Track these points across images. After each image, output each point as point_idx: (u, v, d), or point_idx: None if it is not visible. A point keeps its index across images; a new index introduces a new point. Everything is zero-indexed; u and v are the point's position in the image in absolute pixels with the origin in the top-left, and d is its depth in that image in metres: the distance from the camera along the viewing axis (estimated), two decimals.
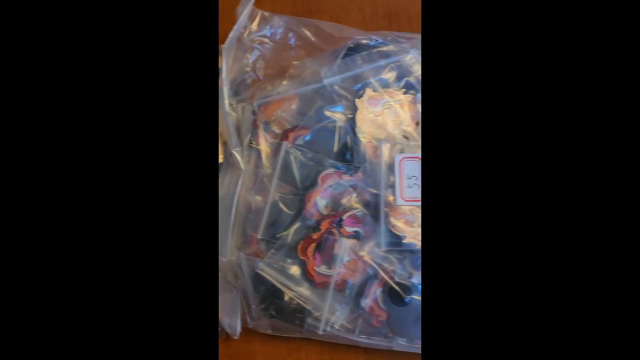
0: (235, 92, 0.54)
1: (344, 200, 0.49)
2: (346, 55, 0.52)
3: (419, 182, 0.47)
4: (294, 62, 0.55)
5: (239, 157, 0.50)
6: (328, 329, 0.49)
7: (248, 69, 0.54)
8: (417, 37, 0.52)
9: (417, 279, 0.48)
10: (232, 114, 0.51)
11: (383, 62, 0.50)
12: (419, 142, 0.49)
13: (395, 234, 0.48)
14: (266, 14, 0.54)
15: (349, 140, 0.49)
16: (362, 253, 0.48)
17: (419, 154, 0.47)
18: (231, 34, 0.51)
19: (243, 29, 0.52)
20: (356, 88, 0.50)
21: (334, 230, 0.49)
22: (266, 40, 0.54)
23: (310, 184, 0.49)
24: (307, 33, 0.54)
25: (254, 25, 0.54)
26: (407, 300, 0.48)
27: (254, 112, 0.51)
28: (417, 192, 0.48)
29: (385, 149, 0.48)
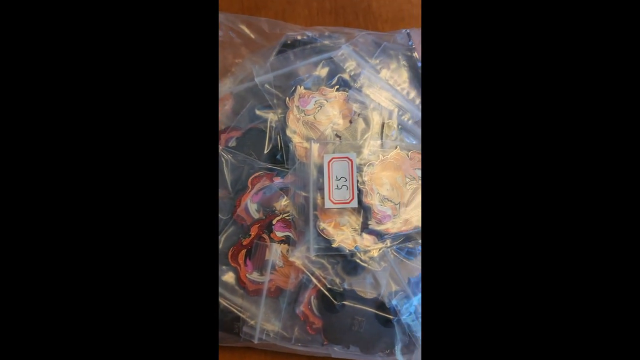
0: None
1: (276, 204, 0.47)
2: (280, 52, 0.49)
3: (348, 183, 0.44)
4: (236, 61, 0.52)
5: None
6: (263, 337, 0.47)
7: None
8: (354, 32, 0.49)
9: (349, 284, 0.45)
10: None
11: (315, 59, 0.48)
12: (352, 142, 0.46)
13: (325, 238, 0.45)
14: None
15: (279, 140, 0.47)
16: (293, 259, 0.45)
17: (349, 154, 0.44)
18: None
19: None
20: (289, 86, 0.47)
21: (265, 236, 0.47)
22: None
23: (240, 187, 0.46)
24: (247, 30, 0.51)
25: None
26: (338, 306, 0.45)
27: None
28: (346, 194, 0.45)
29: (315, 149, 0.45)
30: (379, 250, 0.46)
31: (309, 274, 0.46)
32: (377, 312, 0.46)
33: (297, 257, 0.46)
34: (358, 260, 0.46)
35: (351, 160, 0.45)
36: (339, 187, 0.45)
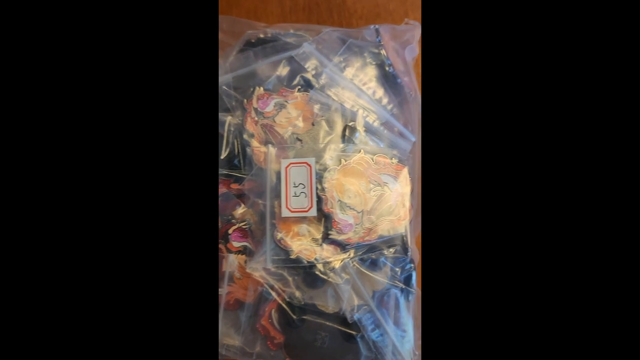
0: None
1: (234, 212, 0.44)
2: (241, 51, 0.46)
3: (307, 190, 0.41)
4: None
5: None
6: (224, 352, 0.45)
7: None
8: (319, 29, 0.46)
9: (309, 297, 0.42)
10: None
11: (276, 58, 0.44)
12: (313, 146, 0.42)
13: (282, 249, 0.42)
14: None
15: (236, 145, 0.44)
16: (250, 270, 0.42)
17: (308, 159, 0.41)
18: None
19: None
20: (248, 87, 0.44)
21: (221, 246, 0.44)
22: None
23: None
24: None
25: None
26: (298, 321, 0.42)
27: None
28: (304, 202, 0.42)
29: (273, 154, 0.42)
30: (341, 261, 0.42)
31: (267, 287, 0.43)
32: (339, 327, 0.43)
33: (255, 269, 0.43)
34: (318, 273, 0.42)
35: (310, 166, 0.42)
36: (297, 194, 0.42)
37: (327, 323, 0.43)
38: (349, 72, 0.45)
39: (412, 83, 0.46)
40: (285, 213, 0.42)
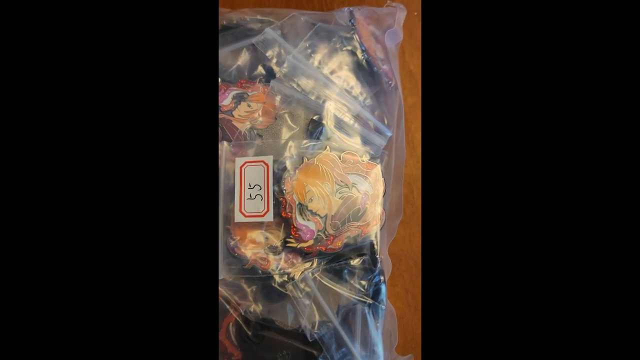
0: None
1: None
2: None
3: (263, 192, 0.36)
4: None
5: None
6: None
7: None
8: (286, 13, 0.41)
9: (266, 312, 0.37)
10: None
11: (235, 46, 0.40)
12: (273, 142, 0.38)
13: (236, 257, 0.37)
14: None
15: None
16: None
17: (265, 158, 0.36)
18: None
19: None
20: None
21: None
22: None
23: None
24: None
25: None
26: (254, 337, 0.37)
27: None
28: (260, 205, 0.37)
29: (226, 152, 0.37)
30: (301, 272, 0.37)
31: (222, 300, 0.38)
32: (299, 346, 0.37)
33: None
34: (276, 285, 0.37)
35: (267, 165, 0.37)
36: (253, 196, 0.37)
37: (287, 341, 0.38)
38: (316, 59, 0.39)
39: (392, 72, 0.41)
40: (238, 218, 0.38)
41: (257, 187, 0.37)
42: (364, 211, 0.38)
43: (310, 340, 0.38)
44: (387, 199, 0.39)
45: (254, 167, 0.37)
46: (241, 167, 0.37)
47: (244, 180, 0.38)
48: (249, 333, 0.38)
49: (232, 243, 0.38)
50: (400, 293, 0.46)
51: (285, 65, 0.38)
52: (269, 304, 0.39)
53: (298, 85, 0.39)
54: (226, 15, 0.43)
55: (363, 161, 0.38)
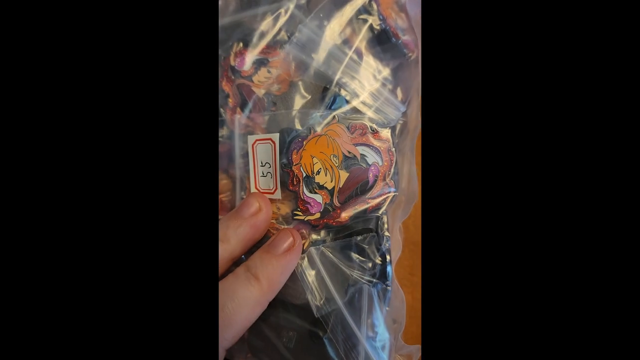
0: None
1: None
2: None
3: (272, 170, 0.36)
4: None
5: None
6: None
7: None
8: None
9: None
10: None
11: (263, 9, 0.38)
12: (285, 112, 0.36)
13: None
14: None
15: None
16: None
17: (272, 136, 0.35)
18: None
19: None
20: (227, 42, 0.39)
21: None
22: None
23: None
24: None
25: None
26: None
27: None
28: (270, 183, 0.36)
29: (242, 120, 0.36)
30: (309, 243, 0.35)
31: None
32: (305, 325, 0.36)
33: None
34: None
35: (274, 143, 0.35)
36: (264, 174, 0.36)
37: (292, 319, 0.36)
38: (330, 28, 0.37)
39: (413, 43, 0.37)
40: None
41: (267, 165, 0.36)
42: (372, 184, 0.35)
43: (317, 317, 0.35)
44: (398, 174, 0.36)
45: (263, 145, 0.36)
46: (253, 145, 0.36)
47: (256, 158, 0.37)
48: None
49: None
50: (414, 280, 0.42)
51: (297, 34, 0.36)
52: None
53: (311, 56, 0.36)
54: None
55: (373, 131, 0.35)
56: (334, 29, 0.37)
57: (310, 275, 0.36)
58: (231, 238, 0.34)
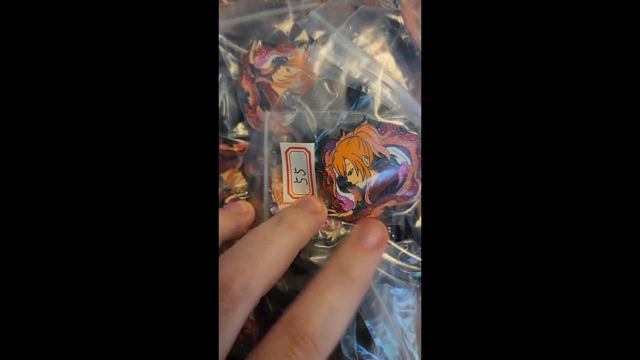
0: None
1: (224, 175, 0.37)
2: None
3: (307, 177, 0.36)
4: None
5: None
6: None
7: None
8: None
9: (293, 285, 0.35)
10: None
11: (284, 9, 0.37)
12: (312, 112, 0.35)
13: None
14: None
15: (227, 103, 0.37)
16: None
17: (307, 145, 0.35)
18: None
19: None
20: (247, 38, 0.37)
21: None
22: None
23: None
24: None
25: None
26: (274, 313, 0.36)
27: None
28: (306, 189, 0.37)
29: (269, 119, 0.35)
30: (335, 237, 0.35)
31: None
32: None
33: None
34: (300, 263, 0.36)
35: (309, 152, 0.35)
36: (299, 180, 0.35)
37: None
38: (360, 40, 0.37)
39: None
40: (287, 199, 0.37)
41: (301, 172, 0.36)
42: (401, 183, 0.36)
43: None
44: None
45: (297, 153, 0.35)
46: (286, 152, 0.36)
47: (290, 165, 0.36)
48: (271, 308, 0.36)
49: (272, 208, 0.37)
50: None
51: (328, 44, 0.36)
52: (297, 277, 0.37)
53: (342, 64, 0.36)
54: None
55: (403, 131, 0.36)
56: (362, 39, 0.37)
57: None
58: (301, 227, 0.31)
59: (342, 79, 0.36)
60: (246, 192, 0.39)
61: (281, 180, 0.37)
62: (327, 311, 0.27)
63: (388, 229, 0.37)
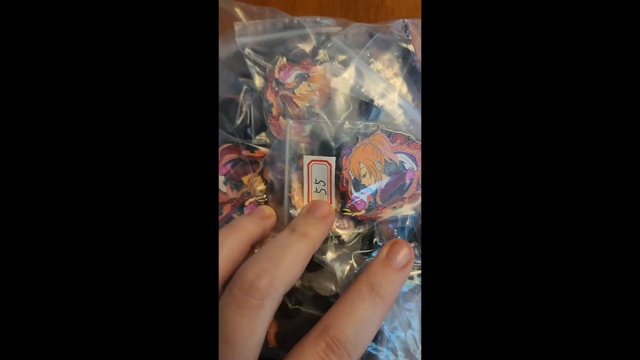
0: None
1: (245, 179, 0.40)
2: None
3: (327, 187, 0.39)
4: None
5: None
6: None
7: None
8: (350, 23, 0.43)
9: (308, 281, 0.38)
10: None
11: (306, 31, 0.41)
12: (330, 122, 0.38)
13: None
14: None
15: (250, 113, 0.40)
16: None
17: (329, 159, 0.39)
18: None
19: None
20: (272, 55, 0.41)
21: (235, 216, 0.40)
22: None
23: None
24: (240, 14, 0.46)
25: None
26: (292, 310, 0.37)
27: None
28: (324, 199, 0.40)
29: (292, 128, 0.38)
30: (352, 235, 0.37)
31: None
32: None
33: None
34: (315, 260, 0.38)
35: (330, 165, 0.39)
36: (318, 190, 0.39)
37: (321, 315, 0.38)
38: (377, 65, 0.41)
39: None
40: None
41: (321, 183, 0.39)
42: (408, 186, 0.39)
43: None
44: None
45: (319, 166, 0.39)
46: (308, 165, 0.39)
47: (311, 176, 0.39)
48: (290, 306, 0.38)
49: (291, 210, 0.39)
50: None
51: (350, 68, 0.40)
52: (310, 274, 0.39)
53: (361, 86, 0.40)
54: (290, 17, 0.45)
55: (410, 141, 0.39)
56: (379, 65, 0.41)
57: (340, 266, 0.39)
58: (313, 233, 0.34)
59: (360, 96, 0.40)
60: (264, 195, 0.41)
61: (301, 184, 0.39)
62: (358, 323, 0.30)
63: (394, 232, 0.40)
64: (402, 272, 0.33)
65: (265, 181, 0.41)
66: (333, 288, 0.39)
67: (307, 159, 0.40)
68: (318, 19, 0.46)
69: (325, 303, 0.39)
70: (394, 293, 0.32)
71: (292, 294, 0.39)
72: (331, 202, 0.40)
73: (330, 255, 0.39)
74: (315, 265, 0.39)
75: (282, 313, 0.39)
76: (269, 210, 0.39)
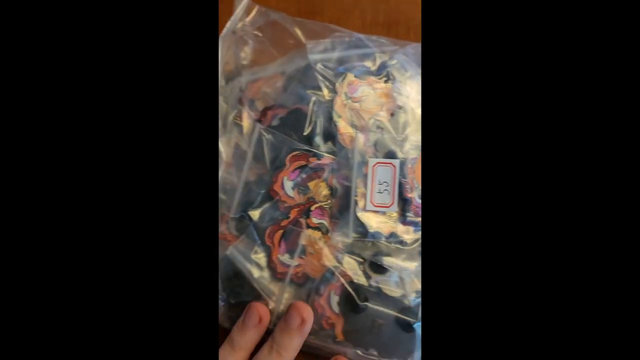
0: (227, 81, 0.49)
1: (311, 184, 0.42)
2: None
3: (390, 188, 0.42)
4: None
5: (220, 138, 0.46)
6: (276, 320, 0.43)
7: (245, 62, 0.49)
8: (404, 43, 0.46)
9: (376, 281, 0.42)
10: (224, 105, 0.47)
11: (371, 50, 0.45)
12: (395, 135, 0.42)
13: (362, 223, 0.41)
14: (262, 8, 0.49)
15: (319, 123, 0.43)
16: (322, 246, 0.42)
17: (394, 161, 0.42)
18: (228, 25, 0.48)
19: (238, 22, 0.48)
20: (339, 71, 0.44)
21: (302, 220, 0.43)
22: (259, 34, 0.49)
23: (278, 165, 0.42)
24: (298, 32, 0.49)
25: (249, 19, 0.49)
26: (361, 306, 0.41)
27: (241, 89, 0.46)
28: (387, 199, 0.43)
29: (361, 138, 0.42)
30: (414, 239, 0.41)
31: (333, 267, 0.43)
32: (398, 315, 0.41)
33: (328, 246, 0.43)
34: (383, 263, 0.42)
35: (395, 167, 0.42)
36: (381, 191, 0.43)
37: (388, 311, 0.41)
38: None
39: None
40: (369, 207, 0.43)
41: (385, 184, 0.42)
42: None
43: (411, 306, 0.41)
44: None
45: (384, 167, 0.43)
46: (373, 166, 0.43)
47: (375, 178, 0.43)
48: (359, 303, 0.41)
49: (358, 213, 0.43)
50: None
51: (414, 85, 0.44)
52: (378, 276, 0.43)
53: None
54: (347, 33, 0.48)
55: None
56: None
57: (409, 272, 0.43)
58: (289, 347, 0.40)
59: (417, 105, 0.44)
60: (328, 200, 0.44)
61: (365, 189, 0.43)
62: None
63: None
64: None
65: (329, 187, 0.44)
66: (399, 291, 0.43)
67: (372, 161, 0.43)
68: (378, 37, 0.50)
69: (391, 300, 0.43)
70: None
71: (360, 291, 0.42)
72: (393, 203, 0.43)
73: (394, 259, 0.43)
74: (382, 269, 0.43)
75: (350, 308, 0.42)
76: (262, 309, 0.42)
